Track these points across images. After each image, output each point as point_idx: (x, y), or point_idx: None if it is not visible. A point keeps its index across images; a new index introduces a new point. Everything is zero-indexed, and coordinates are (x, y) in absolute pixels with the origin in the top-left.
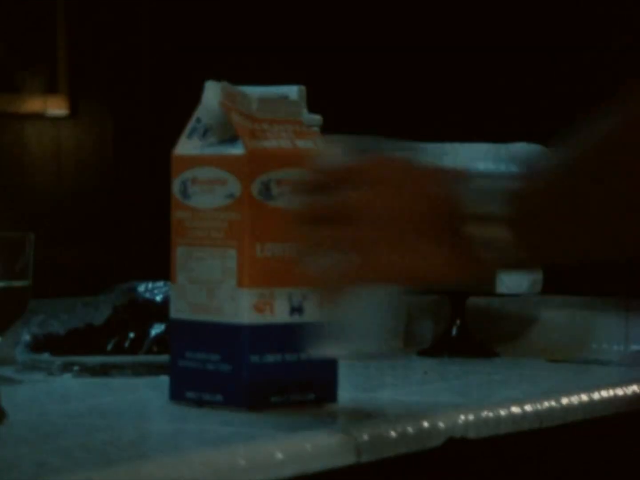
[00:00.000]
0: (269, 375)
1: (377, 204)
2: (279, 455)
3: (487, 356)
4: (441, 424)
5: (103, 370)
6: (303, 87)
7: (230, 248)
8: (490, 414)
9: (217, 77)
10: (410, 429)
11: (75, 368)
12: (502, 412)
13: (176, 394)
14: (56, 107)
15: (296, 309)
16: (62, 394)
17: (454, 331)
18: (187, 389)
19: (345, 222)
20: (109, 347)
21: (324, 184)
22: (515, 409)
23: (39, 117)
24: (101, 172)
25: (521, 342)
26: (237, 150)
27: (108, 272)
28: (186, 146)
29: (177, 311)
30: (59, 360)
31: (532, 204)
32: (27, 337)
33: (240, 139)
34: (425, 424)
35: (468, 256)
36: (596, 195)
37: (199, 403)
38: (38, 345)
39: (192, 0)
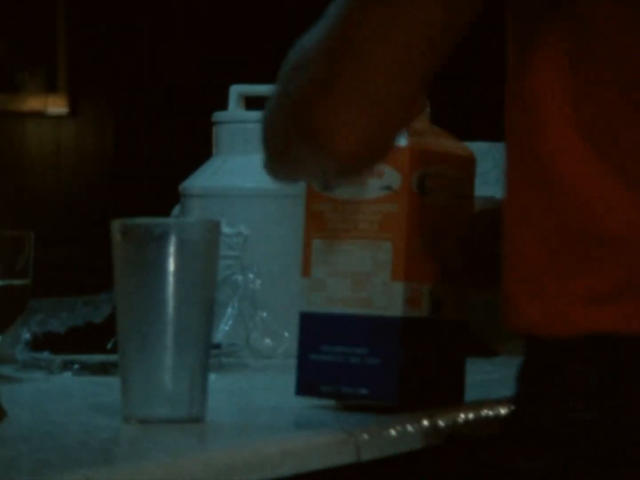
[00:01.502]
0: (418, 371)
1: None
2: (279, 455)
3: (487, 355)
4: (441, 423)
5: (103, 369)
6: None
7: (384, 240)
8: (491, 413)
9: (220, 78)
10: (410, 428)
11: (75, 367)
12: (502, 411)
13: (306, 388)
14: (56, 106)
15: (437, 305)
16: (62, 392)
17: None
18: (321, 382)
19: None
20: (109, 345)
21: None
22: None
23: (39, 116)
24: (101, 171)
25: (521, 341)
26: (400, 143)
27: (108, 271)
28: None
29: (311, 304)
30: (58, 358)
31: None
32: (27, 336)
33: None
34: (425, 423)
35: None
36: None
37: (337, 396)
38: (38, 343)
39: (192, 1)
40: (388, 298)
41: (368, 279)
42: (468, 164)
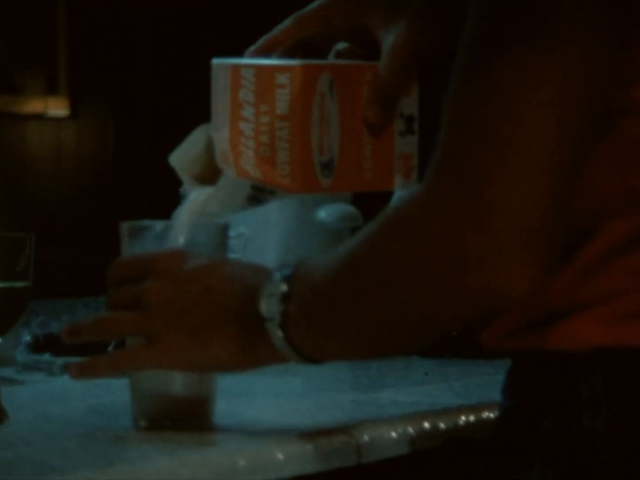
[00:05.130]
0: None
1: (165, 294)
2: (280, 456)
3: (488, 357)
4: (442, 425)
5: None
6: None
7: None
8: (491, 415)
9: None
10: (411, 430)
11: None
12: None
13: None
14: (57, 108)
15: None
16: (62, 394)
17: (455, 332)
18: None
19: (139, 310)
20: (110, 347)
21: (126, 275)
22: None
23: (39, 117)
24: (101, 172)
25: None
26: None
27: None
28: None
29: None
30: (59, 360)
31: (299, 305)
32: (27, 338)
33: None
34: (426, 425)
35: (254, 351)
36: (353, 306)
37: None
38: (39, 345)
39: (192, 1)
40: None
41: None
42: None
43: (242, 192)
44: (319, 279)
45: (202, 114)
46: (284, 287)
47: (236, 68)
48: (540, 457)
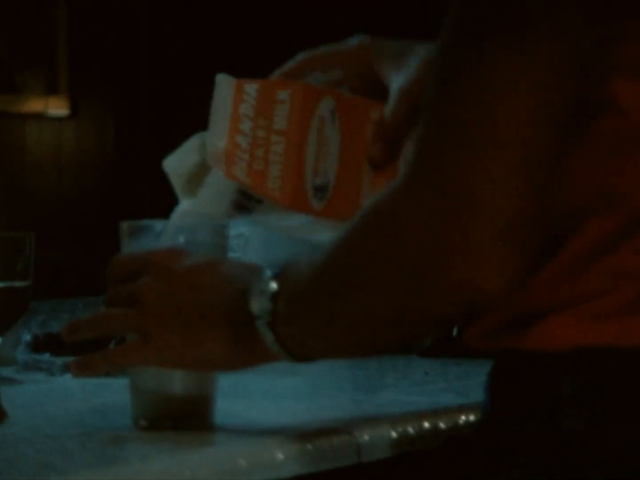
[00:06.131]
0: None
1: (159, 292)
2: (280, 456)
3: (488, 357)
4: (442, 425)
5: None
6: None
7: None
8: None
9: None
10: (411, 430)
11: None
12: None
13: None
14: (57, 108)
15: None
16: (62, 394)
17: (455, 332)
18: None
19: (134, 307)
20: (110, 347)
21: (124, 273)
22: None
23: (39, 117)
24: (101, 172)
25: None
26: None
27: None
28: None
29: None
30: (59, 360)
31: (286, 303)
32: (27, 337)
33: None
34: (426, 425)
35: (247, 349)
36: (336, 303)
37: None
38: (39, 345)
39: (192, 1)
40: None
41: None
42: None
43: (228, 195)
44: (303, 277)
45: (201, 114)
46: (273, 286)
47: (240, 83)
48: (520, 459)
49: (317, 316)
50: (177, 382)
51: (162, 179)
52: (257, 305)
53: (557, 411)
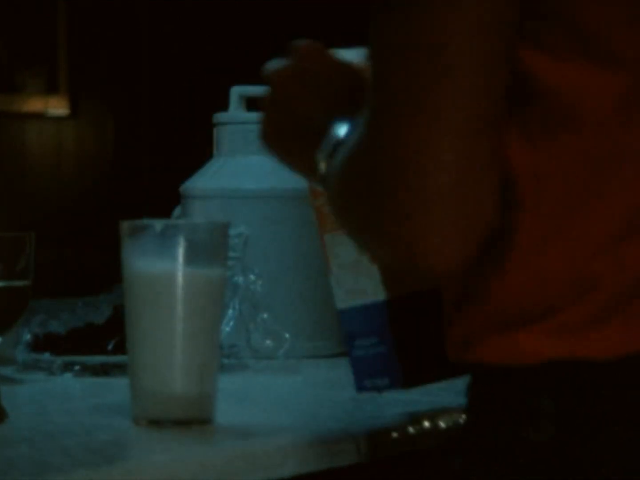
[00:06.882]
0: (419, 347)
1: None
2: (280, 456)
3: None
4: (442, 424)
5: (104, 370)
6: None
7: None
8: None
9: (220, 79)
10: (411, 429)
11: (76, 368)
12: None
13: (359, 386)
14: (57, 107)
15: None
16: (62, 393)
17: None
18: (364, 378)
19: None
20: (110, 346)
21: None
22: None
23: (39, 117)
24: (102, 172)
25: None
26: None
27: (108, 272)
28: None
29: (340, 301)
30: (59, 359)
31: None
32: (27, 337)
33: None
34: (426, 424)
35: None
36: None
37: (379, 390)
38: (38, 345)
39: (192, 1)
40: (375, 283)
41: (359, 267)
42: None
43: None
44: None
45: (201, 114)
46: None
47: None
48: (491, 473)
49: (332, 203)
50: (177, 381)
51: (162, 179)
52: (320, 156)
53: (523, 425)
